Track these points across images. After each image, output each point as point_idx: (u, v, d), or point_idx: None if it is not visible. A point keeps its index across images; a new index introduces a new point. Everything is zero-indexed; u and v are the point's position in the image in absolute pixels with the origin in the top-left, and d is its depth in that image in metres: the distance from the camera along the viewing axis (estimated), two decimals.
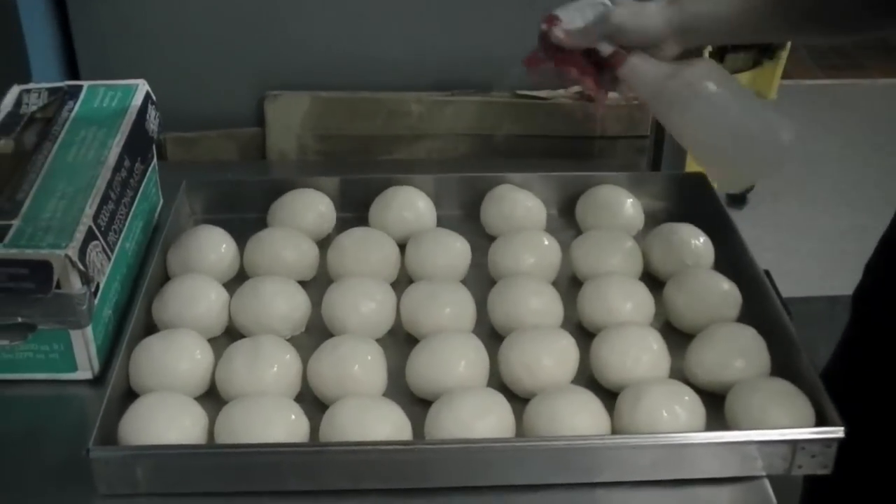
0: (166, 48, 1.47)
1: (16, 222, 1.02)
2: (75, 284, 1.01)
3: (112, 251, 1.09)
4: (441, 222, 1.29)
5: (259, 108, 1.50)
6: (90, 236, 1.03)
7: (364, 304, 1.11)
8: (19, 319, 1.03)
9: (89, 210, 1.05)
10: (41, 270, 0.98)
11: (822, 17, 1.06)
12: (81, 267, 0.99)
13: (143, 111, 1.23)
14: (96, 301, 1.06)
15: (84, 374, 1.07)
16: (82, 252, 1.00)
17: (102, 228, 1.06)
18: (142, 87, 1.26)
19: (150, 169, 1.26)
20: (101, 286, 1.08)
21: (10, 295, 1.00)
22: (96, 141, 1.16)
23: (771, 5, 1.06)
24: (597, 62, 1.14)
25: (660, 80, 1.10)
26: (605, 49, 1.11)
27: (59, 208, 1.05)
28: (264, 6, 1.45)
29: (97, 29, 1.47)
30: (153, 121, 1.25)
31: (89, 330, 1.05)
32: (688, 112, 1.10)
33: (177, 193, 1.29)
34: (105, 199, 1.08)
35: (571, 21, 1.13)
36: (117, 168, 1.13)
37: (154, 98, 1.27)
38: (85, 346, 1.05)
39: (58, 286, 1.00)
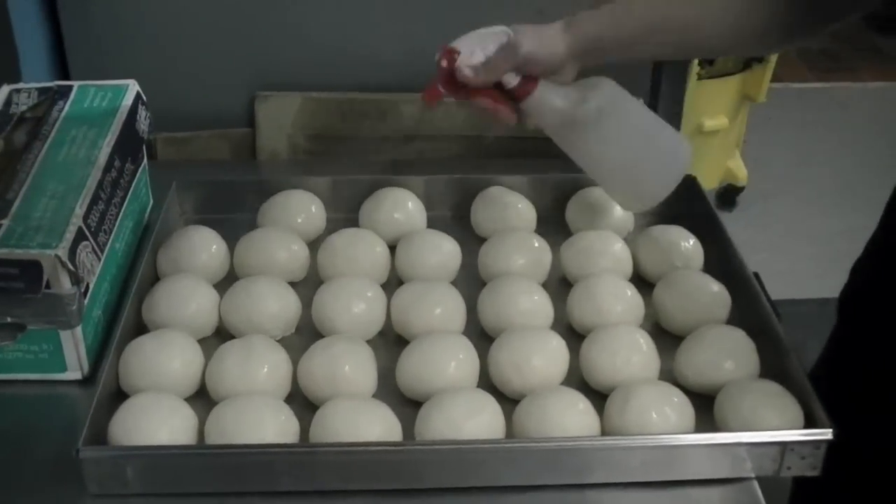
0: (157, 48, 1.46)
1: (6, 222, 1.02)
2: (65, 284, 1.01)
3: (102, 251, 1.09)
4: (431, 223, 1.29)
5: (250, 108, 1.50)
6: (80, 236, 1.03)
7: (355, 305, 1.11)
8: (9, 319, 1.02)
9: (79, 210, 1.05)
10: (31, 270, 0.98)
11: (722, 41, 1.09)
12: (71, 267, 0.99)
13: (133, 111, 1.23)
14: (86, 301, 1.05)
15: (74, 374, 1.07)
16: (72, 252, 1.00)
17: (92, 229, 1.06)
18: (132, 87, 1.25)
19: (140, 169, 1.26)
20: (91, 286, 1.07)
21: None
22: (87, 141, 1.16)
23: (672, 25, 1.07)
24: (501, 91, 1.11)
25: (569, 108, 1.10)
26: (511, 81, 1.09)
27: (49, 208, 1.05)
28: (256, 7, 1.45)
29: (88, 29, 1.46)
30: (144, 121, 1.25)
31: (79, 330, 1.04)
32: (598, 135, 1.11)
33: (167, 193, 1.29)
34: (95, 200, 1.08)
35: (472, 54, 1.09)
36: (107, 168, 1.13)
37: (144, 98, 1.26)
38: (75, 346, 1.05)
39: (48, 286, 1.00)
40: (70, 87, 1.25)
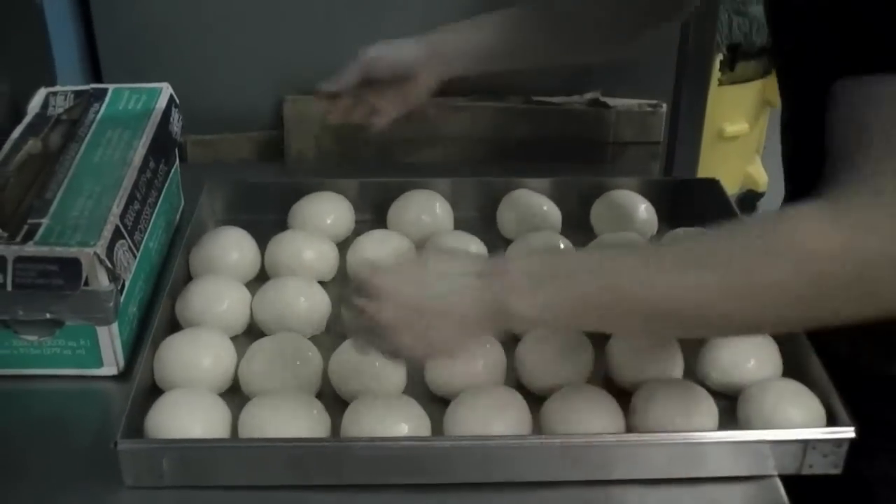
0: (187, 52, 1.49)
1: (45, 220, 1.05)
2: (103, 282, 1.03)
3: (137, 250, 1.11)
4: (458, 225, 1.32)
5: (278, 110, 1.53)
6: (117, 235, 1.05)
7: None
8: (48, 315, 1.05)
9: (116, 209, 1.07)
10: (70, 267, 1.01)
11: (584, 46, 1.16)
12: (109, 265, 1.02)
13: (167, 113, 1.25)
14: (122, 298, 1.08)
15: (109, 369, 1.09)
16: (110, 250, 1.03)
17: (129, 227, 1.09)
18: (166, 90, 1.28)
19: (172, 170, 1.29)
20: (127, 284, 1.10)
21: (39, 291, 1.02)
22: (122, 142, 1.18)
23: (533, 35, 1.14)
24: None
25: None
26: None
27: (86, 207, 1.07)
28: (284, 10, 1.47)
29: (120, 33, 1.50)
30: (177, 123, 1.28)
31: (115, 326, 1.07)
32: None
33: (197, 194, 1.32)
34: (131, 199, 1.11)
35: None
36: (142, 169, 1.15)
37: (177, 101, 1.29)
38: (111, 342, 1.07)
39: (86, 283, 1.03)
40: (105, 90, 1.28)
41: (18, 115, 1.24)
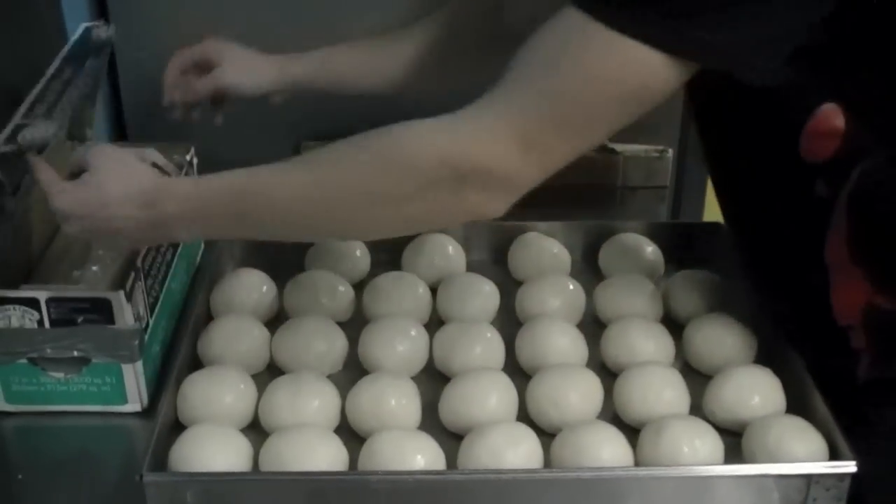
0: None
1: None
2: (128, 320, 1.07)
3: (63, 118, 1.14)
4: (470, 267, 1.35)
5: (295, 155, 1.56)
6: (18, 128, 1.07)
7: (399, 343, 1.16)
8: (75, 353, 1.09)
9: (17, 113, 1.09)
10: (101, 306, 1.05)
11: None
12: (9, 148, 1.04)
13: (84, 34, 1.28)
14: (146, 337, 1.12)
15: (133, 406, 1.13)
16: (11, 140, 1.05)
17: (41, 113, 1.10)
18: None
19: None
20: (151, 323, 1.14)
21: (68, 329, 1.06)
22: None
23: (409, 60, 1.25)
24: None
25: None
26: None
27: None
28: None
29: (143, 93, 1.53)
30: (104, 31, 1.30)
31: (140, 364, 1.10)
32: None
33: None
34: (40, 99, 1.13)
35: None
36: (56, 75, 1.18)
37: (100, 23, 1.32)
38: (135, 379, 1.11)
39: (112, 321, 1.07)
40: None
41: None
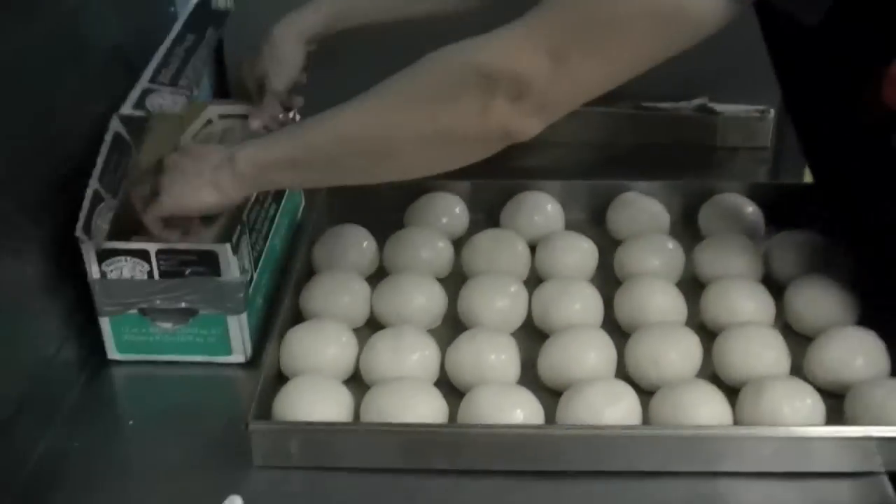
0: None
1: None
2: (234, 273, 1.09)
3: (190, 89, 1.16)
4: (568, 226, 1.35)
5: None
6: (147, 92, 1.10)
7: (498, 300, 1.17)
8: (183, 304, 1.11)
9: (144, 76, 1.13)
10: (209, 259, 1.08)
11: None
12: (140, 113, 1.09)
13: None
14: (251, 290, 1.14)
15: (238, 357, 1.15)
16: (140, 104, 1.08)
17: (166, 81, 1.13)
18: None
19: None
20: (255, 277, 1.16)
21: (176, 281, 1.09)
22: None
23: None
24: None
25: None
26: None
27: None
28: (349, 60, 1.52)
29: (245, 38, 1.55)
30: (224, 1, 1.32)
31: (244, 316, 1.13)
32: None
33: (319, 195, 1.37)
34: (165, 64, 1.16)
35: None
36: (178, 41, 1.21)
37: None
38: (240, 331, 1.13)
39: (218, 274, 1.09)
40: None
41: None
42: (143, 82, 1.07)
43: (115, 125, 1.03)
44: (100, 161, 1.06)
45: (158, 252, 1.08)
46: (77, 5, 1.15)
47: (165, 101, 1.05)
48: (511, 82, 0.89)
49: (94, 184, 1.06)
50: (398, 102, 0.96)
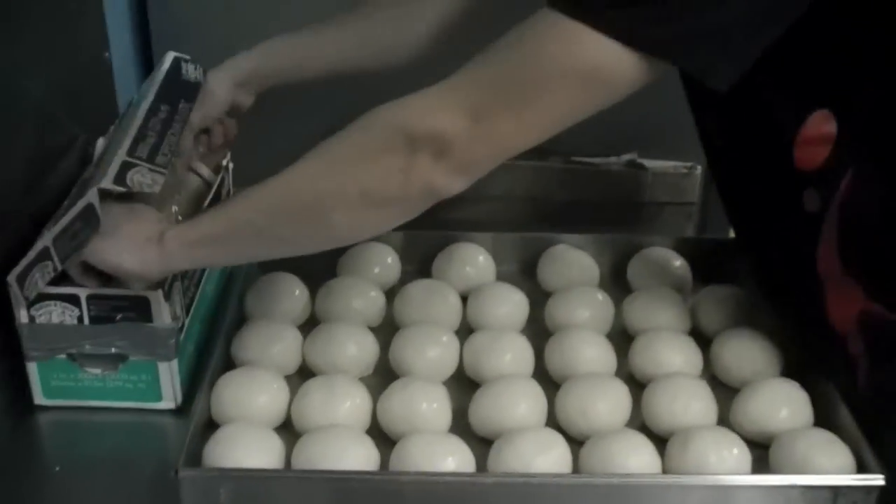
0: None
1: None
2: (166, 319, 1.09)
3: (165, 167, 1.12)
4: (500, 277, 1.36)
5: None
6: (126, 166, 1.07)
7: (430, 349, 1.18)
8: (112, 350, 1.10)
9: (121, 151, 1.08)
10: (140, 305, 1.07)
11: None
12: (121, 188, 1.04)
13: (175, 67, 1.28)
14: (182, 337, 1.14)
15: (168, 404, 1.14)
16: (120, 178, 1.05)
17: (144, 157, 1.10)
18: (169, 55, 1.29)
19: None
20: (186, 323, 1.16)
21: (107, 327, 1.09)
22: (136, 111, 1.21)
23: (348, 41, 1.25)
24: None
25: None
26: None
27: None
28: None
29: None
30: (193, 71, 1.29)
31: (175, 363, 1.12)
32: None
33: None
34: (141, 138, 1.12)
35: None
36: (152, 112, 1.18)
37: (188, 57, 1.31)
38: (171, 377, 1.12)
39: (150, 320, 1.09)
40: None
41: (86, 161, 1.30)
42: (122, 156, 1.07)
43: (91, 196, 1.02)
44: (63, 222, 1.04)
45: (89, 297, 1.07)
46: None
47: (145, 178, 1.05)
48: (431, 141, 0.90)
49: (47, 240, 1.05)
50: (324, 166, 0.97)
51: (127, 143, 1.09)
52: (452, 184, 0.94)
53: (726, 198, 1.21)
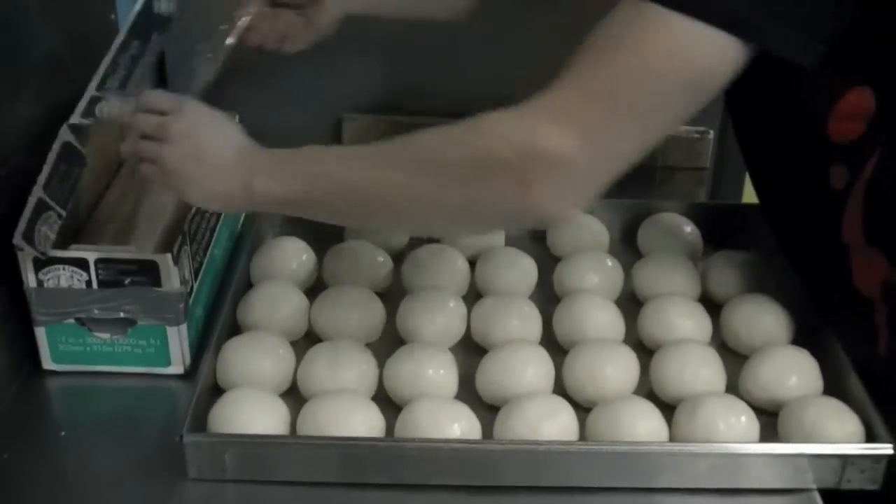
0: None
1: None
2: (175, 284, 1.09)
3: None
4: (509, 242, 1.35)
5: (336, 129, 1.57)
6: (95, 100, 1.07)
7: (437, 315, 1.17)
8: (122, 314, 1.10)
9: (91, 85, 1.09)
10: (149, 268, 1.07)
11: None
12: (88, 121, 1.05)
13: (147, 3, 1.24)
14: (190, 301, 1.13)
15: (176, 368, 1.14)
16: (88, 112, 1.06)
17: (114, 87, 1.10)
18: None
19: None
20: (195, 287, 1.15)
21: (115, 290, 1.08)
22: None
23: None
24: None
25: None
26: None
27: None
28: (348, 27, 1.52)
29: (184, 51, 1.55)
30: (165, 5, 1.26)
31: (184, 327, 1.12)
32: None
33: None
34: (111, 72, 1.12)
35: None
36: (122, 49, 1.16)
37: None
38: (179, 342, 1.12)
39: (158, 284, 1.08)
40: None
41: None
42: (91, 90, 1.05)
43: (64, 134, 1.01)
44: (46, 169, 1.04)
45: (98, 261, 1.07)
46: (9, 13, 1.13)
47: (114, 107, 1.03)
48: (544, 160, 0.86)
49: (38, 192, 1.04)
50: (431, 175, 0.92)
51: (96, 79, 1.09)
52: (565, 206, 0.89)
53: (752, 163, 1.20)
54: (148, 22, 1.21)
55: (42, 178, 1.04)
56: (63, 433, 1.08)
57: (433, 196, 0.92)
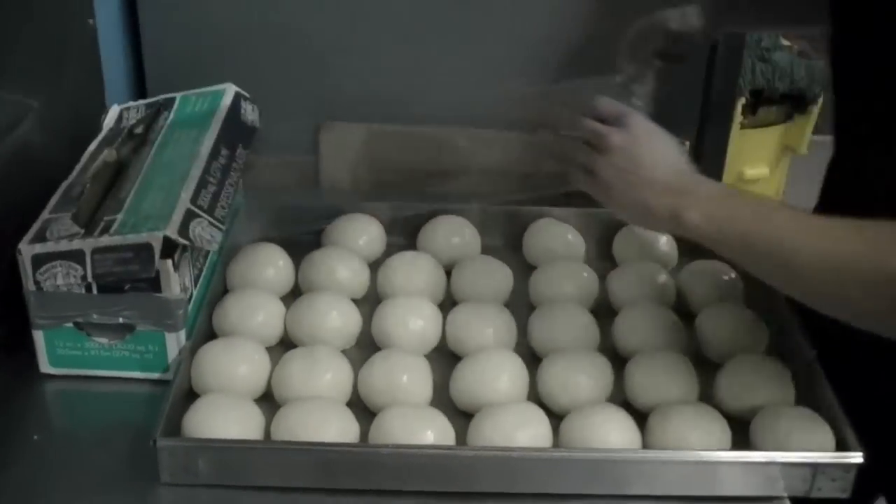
0: (227, 72, 1.54)
1: (119, 216, 1.09)
2: (175, 290, 1.08)
3: (223, 223, 1.13)
4: (485, 251, 1.36)
5: (314, 136, 1.57)
6: (190, 216, 1.08)
7: (412, 322, 1.18)
8: (120, 320, 1.10)
9: (185, 195, 1.10)
10: (144, 252, 1.05)
11: None
12: (185, 241, 1.05)
13: (235, 105, 1.29)
14: (189, 307, 1.13)
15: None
16: (184, 229, 1.06)
17: (205, 207, 1.11)
18: (230, 88, 1.31)
19: None
20: (194, 293, 1.15)
21: (115, 296, 1.08)
22: (190, 139, 1.22)
23: None
24: None
25: None
26: None
27: (157, 199, 1.11)
28: (325, 37, 1.52)
29: (166, 59, 1.55)
30: (251, 112, 1.30)
31: (183, 333, 1.12)
32: None
33: (235, 214, 1.36)
34: (203, 183, 1.13)
35: None
36: (213, 156, 1.18)
37: (247, 95, 1.32)
38: (178, 348, 1.12)
39: (158, 290, 1.08)
40: (173, 98, 1.33)
41: (76, 133, 1.29)
42: (186, 201, 1.08)
43: (152, 238, 1.05)
44: (114, 240, 1.06)
45: (94, 251, 1.06)
46: None
47: (205, 233, 1.08)
48: None
49: (86, 244, 1.06)
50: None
51: (191, 186, 1.11)
52: None
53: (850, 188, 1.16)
54: (235, 129, 1.25)
55: (101, 241, 1.06)
56: (35, 437, 1.07)
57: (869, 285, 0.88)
